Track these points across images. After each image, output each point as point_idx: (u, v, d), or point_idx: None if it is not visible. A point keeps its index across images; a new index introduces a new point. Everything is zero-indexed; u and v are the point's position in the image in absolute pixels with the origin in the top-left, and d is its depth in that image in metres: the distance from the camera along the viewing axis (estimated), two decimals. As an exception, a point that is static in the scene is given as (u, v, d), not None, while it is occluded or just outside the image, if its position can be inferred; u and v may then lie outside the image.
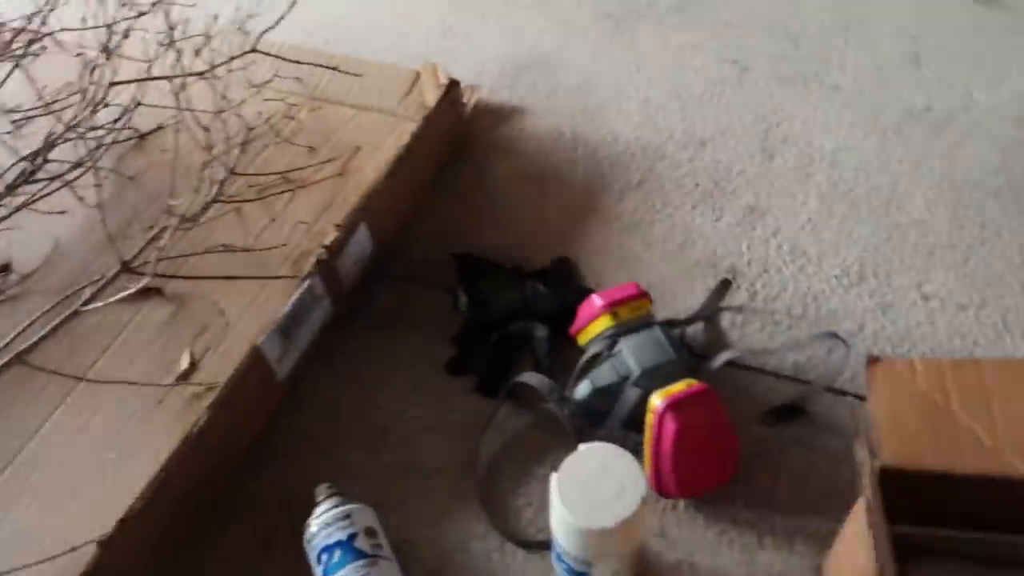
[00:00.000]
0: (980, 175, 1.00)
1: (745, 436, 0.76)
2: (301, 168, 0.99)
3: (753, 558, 0.68)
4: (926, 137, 1.05)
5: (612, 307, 0.77)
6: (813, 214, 0.97)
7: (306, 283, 0.80)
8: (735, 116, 1.09)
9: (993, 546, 0.60)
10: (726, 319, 0.87)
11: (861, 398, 0.77)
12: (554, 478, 0.54)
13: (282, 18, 0.97)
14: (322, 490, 0.72)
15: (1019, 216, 0.95)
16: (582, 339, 0.79)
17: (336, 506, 0.69)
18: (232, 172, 0.97)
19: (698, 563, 0.68)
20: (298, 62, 1.02)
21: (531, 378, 0.76)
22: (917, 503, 0.57)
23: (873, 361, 0.60)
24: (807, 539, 0.69)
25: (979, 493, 0.55)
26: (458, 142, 1.08)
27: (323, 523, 0.68)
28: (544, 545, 0.69)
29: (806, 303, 0.88)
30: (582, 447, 0.56)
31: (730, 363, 0.78)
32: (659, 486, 0.70)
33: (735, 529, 0.70)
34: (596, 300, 0.78)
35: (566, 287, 0.90)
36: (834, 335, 0.77)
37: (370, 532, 0.68)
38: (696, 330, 0.85)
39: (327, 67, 1.04)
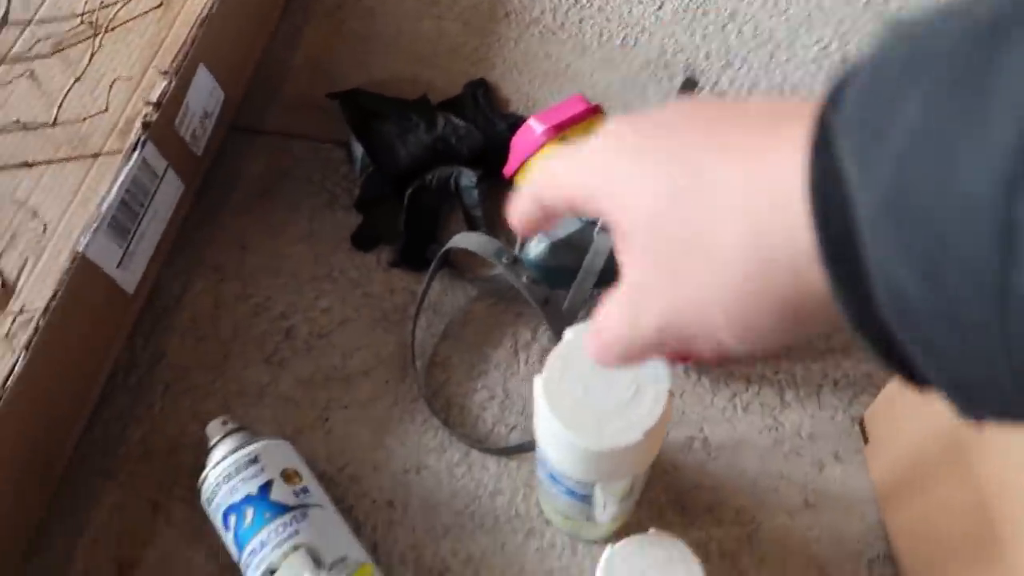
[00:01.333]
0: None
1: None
2: (106, 5, 0.73)
3: (776, 420, 0.55)
4: None
5: (558, 132, 0.58)
6: (773, -14, 0.79)
7: (135, 157, 0.57)
8: None
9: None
10: (692, 130, 0.69)
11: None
12: (538, 383, 0.38)
13: None
14: (215, 427, 0.53)
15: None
16: (523, 180, 0.61)
17: (238, 447, 0.52)
18: (5, 21, 0.71)
19: (712, 436, 0.55)
20: None
21: (468, 240, 0.57)
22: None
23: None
24: (836, 387, 0.56)
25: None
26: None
27: (223, 474, 0.50)
28: (522, 447, 0.54)
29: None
30: (568, 334, 0.39)
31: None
32: (652, 352, 0.55)
33: (749, 389, 0.56)
34: (535, 126, 0.59)
35: (489, 116, 0.70)
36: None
37: (289, 475, 0.51)
38: (659, 148, 0.68)
39: None
